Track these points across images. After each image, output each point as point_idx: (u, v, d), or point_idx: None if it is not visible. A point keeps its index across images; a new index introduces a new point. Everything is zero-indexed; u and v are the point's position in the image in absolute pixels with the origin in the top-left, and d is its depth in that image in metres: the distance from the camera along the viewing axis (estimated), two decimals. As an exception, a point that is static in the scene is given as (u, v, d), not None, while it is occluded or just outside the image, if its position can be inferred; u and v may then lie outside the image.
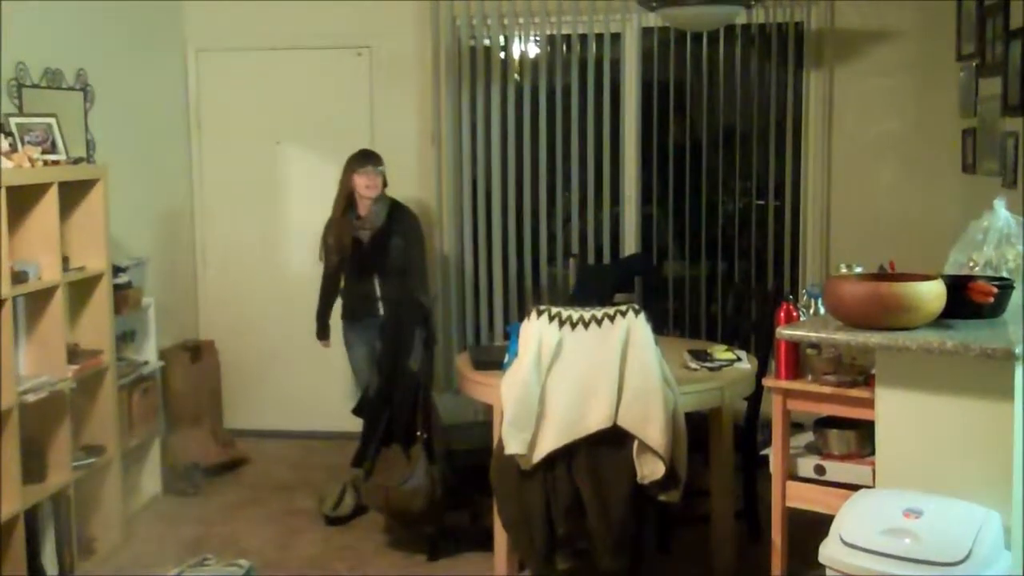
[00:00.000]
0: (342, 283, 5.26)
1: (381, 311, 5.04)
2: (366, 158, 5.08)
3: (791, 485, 3.33)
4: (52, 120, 4.51)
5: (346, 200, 5.09)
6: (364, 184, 5.03)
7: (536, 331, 3.76)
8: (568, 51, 6.04)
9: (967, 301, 3.00)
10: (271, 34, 6.13)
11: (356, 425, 4.86)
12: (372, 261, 5.07)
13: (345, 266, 5.18)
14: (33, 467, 4.18)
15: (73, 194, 4.49)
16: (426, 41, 6.01)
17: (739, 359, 4.32)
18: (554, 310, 3.78)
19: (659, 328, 4.08)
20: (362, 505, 4.94)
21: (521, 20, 6.00)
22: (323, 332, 5.35)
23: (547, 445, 3.71)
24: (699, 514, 4.43)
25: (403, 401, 4.52)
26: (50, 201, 4.24)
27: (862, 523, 2.80)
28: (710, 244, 6.02)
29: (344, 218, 5.09)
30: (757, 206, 5.99)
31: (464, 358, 4.64)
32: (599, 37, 5.99)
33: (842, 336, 3.00)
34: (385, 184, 5.11)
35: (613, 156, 6.01)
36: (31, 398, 4.07)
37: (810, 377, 3.30)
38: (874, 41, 5.68)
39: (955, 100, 5.37)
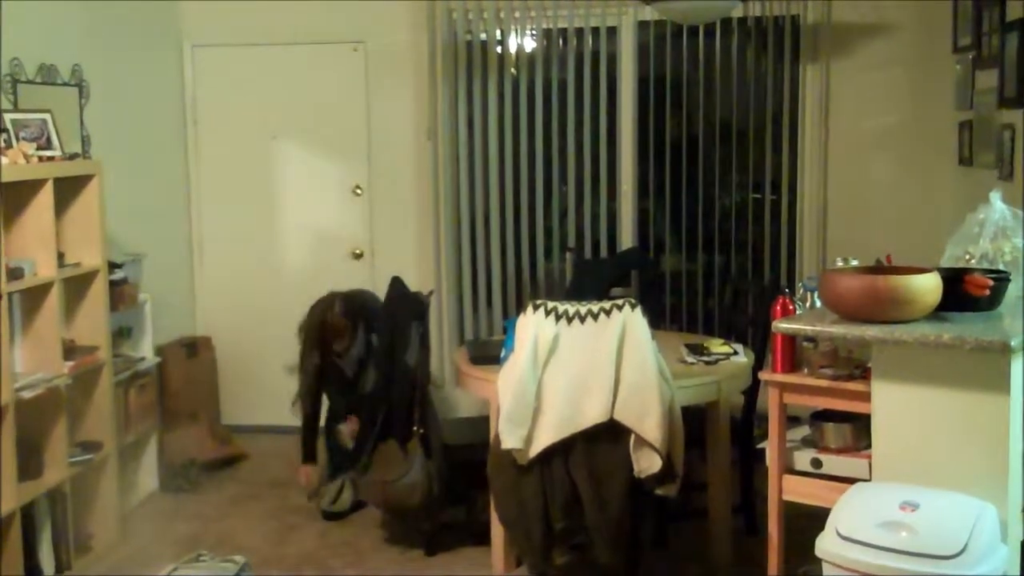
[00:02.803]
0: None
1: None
2: (320, 342, 4.88)
3: (788, 479, 3.33)
4: (47, 116, 4.50)
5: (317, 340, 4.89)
6: (336, 343, 4.88)
7: (533, 326, 3.76)
8: (564, 45, 6.03)
9: (963, 294, 3.00)
10: (267, 30, 6.12)
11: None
12: (362, 381, 4.93)
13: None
14: (29, 464, 4.17)
15: (68, 190, 4.49)
16: (422, 36, 6.00)
17: (736, 353, 4.32)
18: (551, 304, 3.78)
19: (656, 322, 4.09)
20: (359, 500, 4.94)
21: (517, 14, 5.98)
22: (309, 455, 5.00)
23: (544, 440, 3.71)
24: (696, 508, 4.43)
25: (400, 396, 4.51)
26: (45, 197, 4.24)
27: (858, 516, 2.80)
28: (707, 238, 6.01)
29: (322, 361, 4.91)
30: (754, 200, 5.99)
31: (461, 353, 4.64)
32: (595, 31, 5.98)
33: (838, 329, 3.00)
34: (355, 320, 4.88)
35: (610, 150, 6.00)
36: (27, 395, 4.07)
37: (806, 371, 3.30)
38: (870, 35, 5.68)
39: (951, 93, 5.36)
